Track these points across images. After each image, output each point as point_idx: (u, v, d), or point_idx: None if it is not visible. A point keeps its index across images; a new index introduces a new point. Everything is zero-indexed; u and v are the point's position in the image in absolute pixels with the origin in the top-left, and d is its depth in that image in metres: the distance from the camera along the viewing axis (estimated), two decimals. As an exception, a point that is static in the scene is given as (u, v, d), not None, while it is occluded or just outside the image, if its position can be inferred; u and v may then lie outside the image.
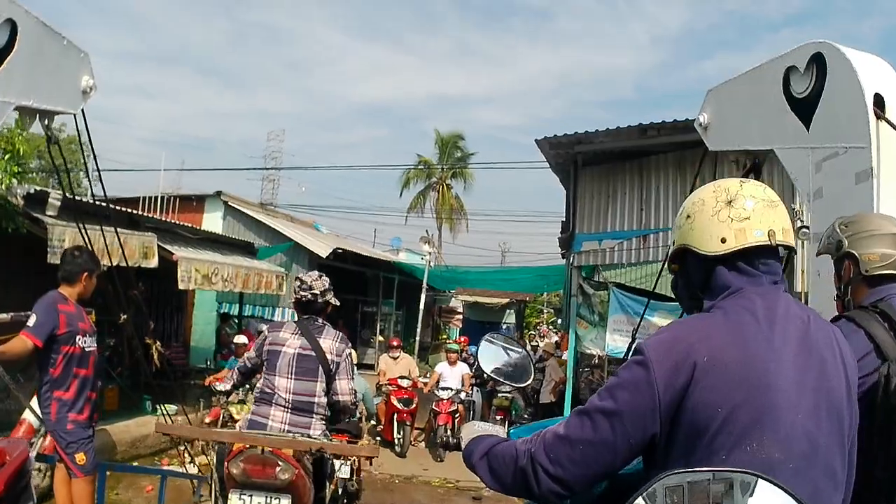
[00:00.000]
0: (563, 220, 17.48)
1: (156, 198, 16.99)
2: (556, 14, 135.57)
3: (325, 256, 17.20)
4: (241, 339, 12.03)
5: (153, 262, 9.82)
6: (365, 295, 23.17)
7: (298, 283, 4.34)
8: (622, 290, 11.63)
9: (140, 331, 7.61)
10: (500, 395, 13.33)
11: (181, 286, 10.39)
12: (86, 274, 4.86)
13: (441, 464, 11.20)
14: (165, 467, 9.06)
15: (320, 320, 4.26)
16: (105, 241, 6.14)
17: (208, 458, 7.87)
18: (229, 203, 18.69)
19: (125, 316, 5.62)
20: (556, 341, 17.28)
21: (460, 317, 29.42)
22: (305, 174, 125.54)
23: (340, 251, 18.53)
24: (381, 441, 11.45)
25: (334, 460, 4.15)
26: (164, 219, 12.44)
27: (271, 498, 3.43)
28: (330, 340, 4.16)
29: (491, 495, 10.54)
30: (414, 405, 12.12)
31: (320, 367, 4.06)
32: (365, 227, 64.81)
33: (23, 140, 6.93)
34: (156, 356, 6.86)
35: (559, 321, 39.98)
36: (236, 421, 11.35)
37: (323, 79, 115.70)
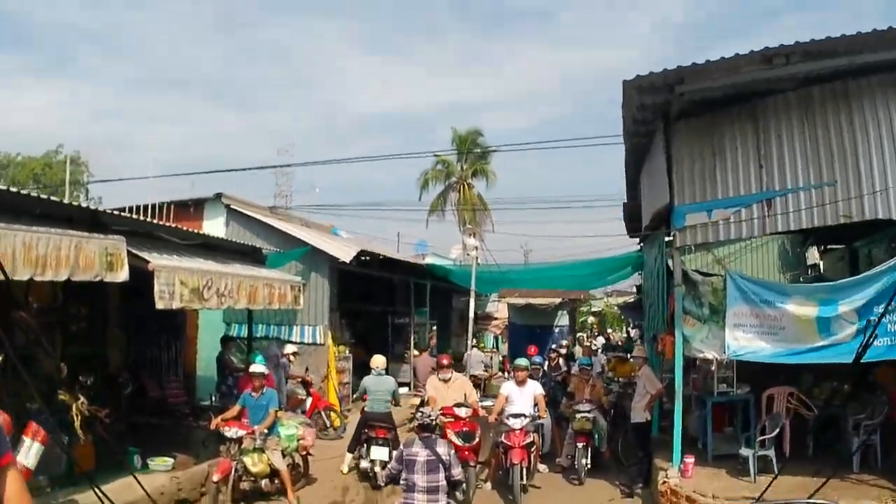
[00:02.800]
0: (624, 200, 14.84)
1: (146, 206, 14.49)
2: (555, 13, 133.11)
3: (348, 262, 15.12)
4: (257, 368, 9.61)
5: (121, 275, 7.25)
6: (392, 305, 20.71)
7: (419, 413, 7.20)
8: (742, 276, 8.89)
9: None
10: (579, 416, 10.65)
11: (159, 304, 7.71)
12: None
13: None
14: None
15: (433, 435, 6.89)
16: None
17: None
18: (232, 206, 16.22)
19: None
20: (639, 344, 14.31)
21: (498, 322, 26.47)
22: (320, 182, 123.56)
23: (365, 258, 16.38)
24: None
25: None
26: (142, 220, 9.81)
27: None
28: (443, 448, 6.73)
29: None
30: (476, 440, 9.58)
31: (440, 465, 6.58)
32: (385, 229, 62.94)
33: None
34: (77, 421, 4.07)
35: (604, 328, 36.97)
36: (252, 474, 8.74)
37: (326, 92, 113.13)
